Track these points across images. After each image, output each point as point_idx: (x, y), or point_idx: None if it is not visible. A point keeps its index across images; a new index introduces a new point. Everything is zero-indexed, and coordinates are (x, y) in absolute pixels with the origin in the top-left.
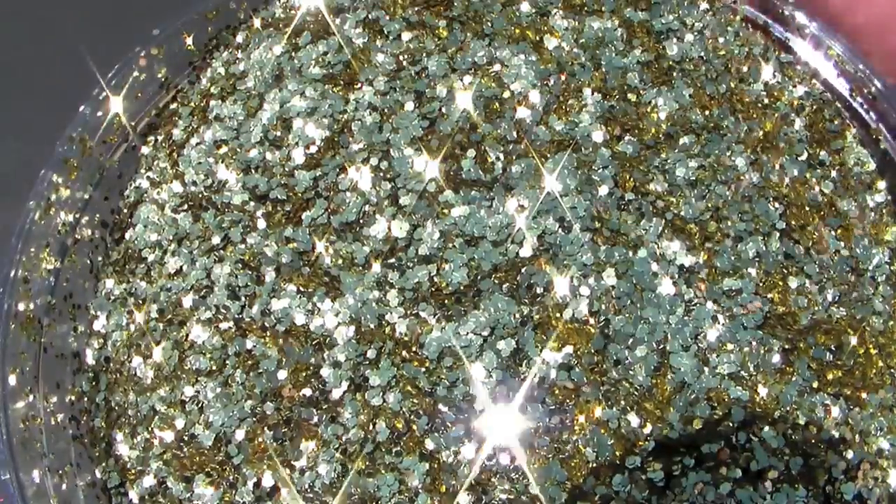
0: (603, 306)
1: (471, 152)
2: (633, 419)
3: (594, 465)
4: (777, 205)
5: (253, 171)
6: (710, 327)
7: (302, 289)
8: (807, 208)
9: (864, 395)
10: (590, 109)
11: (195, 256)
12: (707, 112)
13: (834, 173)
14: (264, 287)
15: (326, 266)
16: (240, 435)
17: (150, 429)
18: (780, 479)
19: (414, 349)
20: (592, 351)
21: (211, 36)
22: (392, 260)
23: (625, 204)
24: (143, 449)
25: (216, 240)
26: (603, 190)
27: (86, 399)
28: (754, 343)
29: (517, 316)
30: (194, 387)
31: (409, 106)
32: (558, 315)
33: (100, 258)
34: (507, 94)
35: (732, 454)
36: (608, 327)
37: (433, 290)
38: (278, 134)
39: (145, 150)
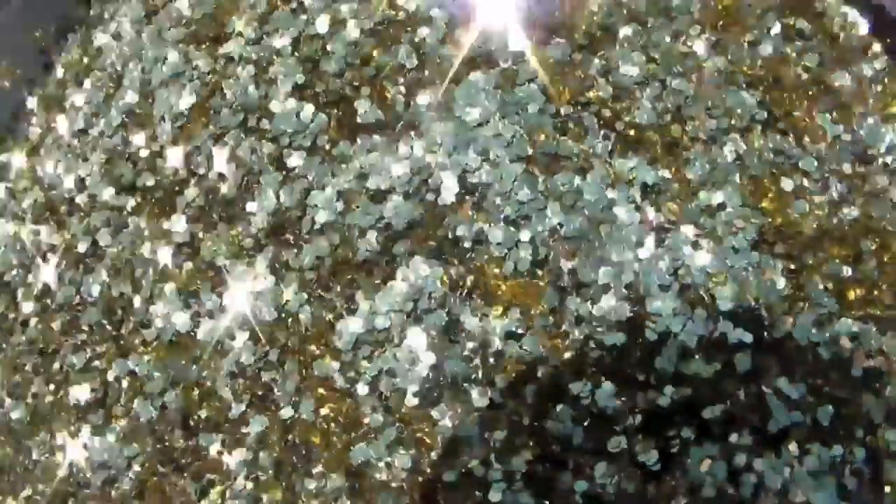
0: (552, 252)
1: (365, 90)
2: (610, 388)
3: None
4: (753, 91)
5: (118, 159)
6: (691, 257)
7: (182, 289)
8: (791, 91)
9: None
10: (501, 15)
11: (63, 270)
12: None
13: (817, 43)
14: (140, 293)
15: (210, 257)
16: (131, 476)
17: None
18: (807, 439)
19: (324, 342)
20: (546, 310)
21: (59, 17)
22: (286, 236)
23: (561, 121)
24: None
25: (83, 247)
26: (532, 108)
27: None
28: (751, 268)
29: (445, 280)
30: (75, 425)
31: (287, 50)
32: (497, 271)
33: None
34: (401, 15)
35: (743, 415)
36: (561, 278)
37: (338, 263)
38: (141, 112)
39: (1, 157)
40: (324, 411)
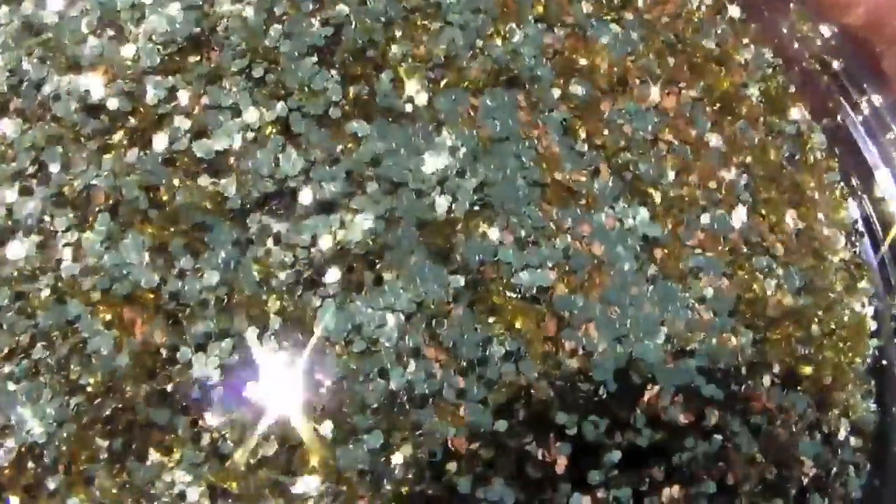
0: (555, 281)
1: (387, 73)
2: (599, 423)
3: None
4: (743, 175)
5: (84, 69)
6: (678, 312)
7: (149, 240)
8: (770, 180)
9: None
10: (532, 39)
11: None
12: (660, 61)
13: (791, 145)
14: (94, 233)
15: (183, 207)
16: (58, 446)
17: None
18: (754, 492)
19: (311, 329)
20: (544, 338)
21: None
22: (278, 205)
23: (575, 156)
24: None
25: (24, 163)
26: (551, 137)
27: None
28: (725, 333)
29: (450, 289)
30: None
31: (308, 6)
32: (500, 289)
33: None
34: (430, 10)
35: (707, 464)
36: (563, 309)
37: (337, 249)
38: (124, 25)
39: None
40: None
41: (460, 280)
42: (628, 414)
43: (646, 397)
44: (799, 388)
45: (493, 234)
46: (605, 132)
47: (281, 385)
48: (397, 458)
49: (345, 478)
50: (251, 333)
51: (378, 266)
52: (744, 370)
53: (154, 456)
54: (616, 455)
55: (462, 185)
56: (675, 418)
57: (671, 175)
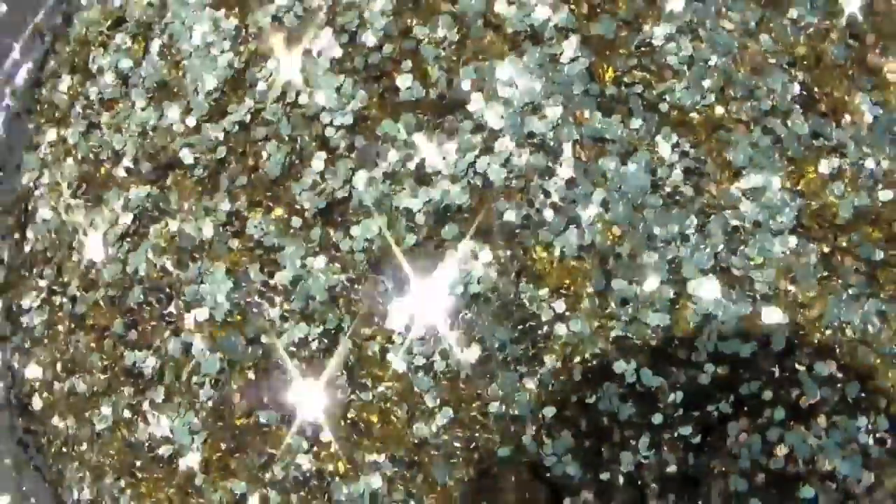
0: (597, 236)
1: (406, 64)
2: (651, 372)
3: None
4: (794, 72)
5: (150, 133)
6: (731, 240)
7: (232, 267)
8: (831, 70)
9: None
10: None
11: (108, 247)
12: None
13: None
14: (188, 272)
15: (257, 236)
16: (196, 452)
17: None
18: (834, 412)
19: (377, 322)
20: (593, 293)
21: None
22: (333, 216)
23: (607, 101)
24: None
25: (125, 222)
26: (577, 88)
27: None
28: (788, 252)
29: (495, 263)
30: (136, 398)
31: (321, 18)
32: (544, 255)
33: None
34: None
35: (777, 392)
36: (607, 261)
37: (388, 246)
38: (172, 81)
39: (30, 121)
40: (380, 390)
41: (501, 254)
42: (688, 353)
43: (705, 334)
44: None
45: (526, 202)
46: (636, 68)
47: None
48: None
49: None
50: None
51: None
52: (810, 289)
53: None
54: (678, 395)
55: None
56: (738, 350)
57: (711, 96)
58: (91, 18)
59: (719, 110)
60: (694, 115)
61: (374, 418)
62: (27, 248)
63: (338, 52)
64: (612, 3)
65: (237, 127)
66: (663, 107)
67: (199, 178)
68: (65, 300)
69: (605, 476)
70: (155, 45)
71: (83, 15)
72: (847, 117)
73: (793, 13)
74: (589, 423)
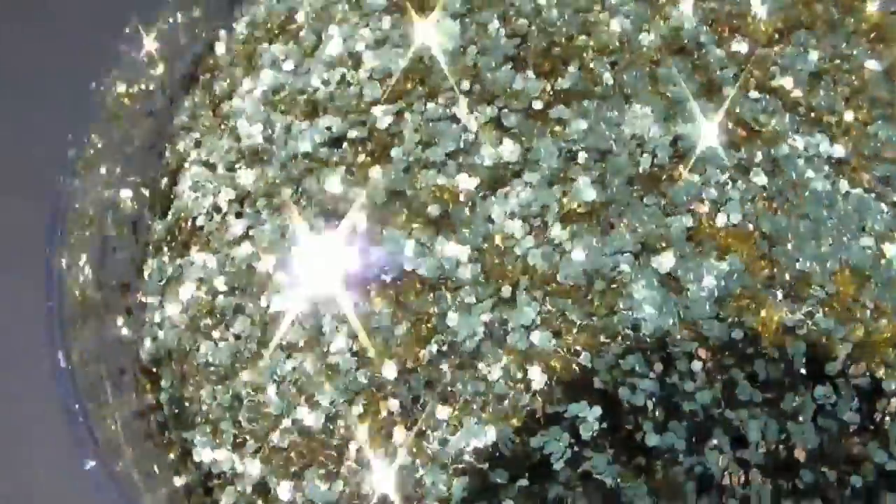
0: (758, 208)
1: (574, 64)
2: (823, 322)
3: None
4: None
5: (322, 112)
6: (875, 217)
7: (403, 231)
8: None
9: None
10: (688, 12)
11: (264, 216)
12: (810, 9)
13: None
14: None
15: (428, 208)
16: (356, 411)
17: (237, 422)
18: None
19: (557, 279)
20: (758, 255)
21: None
22: (506, 189)
23: (752, 104)
24: (231, 448)
25: (287, 192)
26: (727, 91)
27: (151, 397)
28: None
29: (667, 228)
30: (287, 362)
31: (494, 24)
32: (711, 223)
33: (139, 236)
34: (596, 7)
35: None
36: (768, 230)
37: (564, 213)
38: (346, 72)
39: (185, 104)
40: (562, 343)
41: (674, 221)
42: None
43: (863, 290)
44: None
45: (694, 177)
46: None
47: None
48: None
49: None
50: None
51: (603, 218)
52: None
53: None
54: (848, 346)
55: (659, 142)
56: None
57: (842, 103)
58: (257, 18)
59: (849, 115)
60: (828, 116)
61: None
62: (172, 219)
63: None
64: (748, 29)
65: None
66: (801, 109)
67: (368, 152)
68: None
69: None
70: (326, 38)
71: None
72: None
73: None
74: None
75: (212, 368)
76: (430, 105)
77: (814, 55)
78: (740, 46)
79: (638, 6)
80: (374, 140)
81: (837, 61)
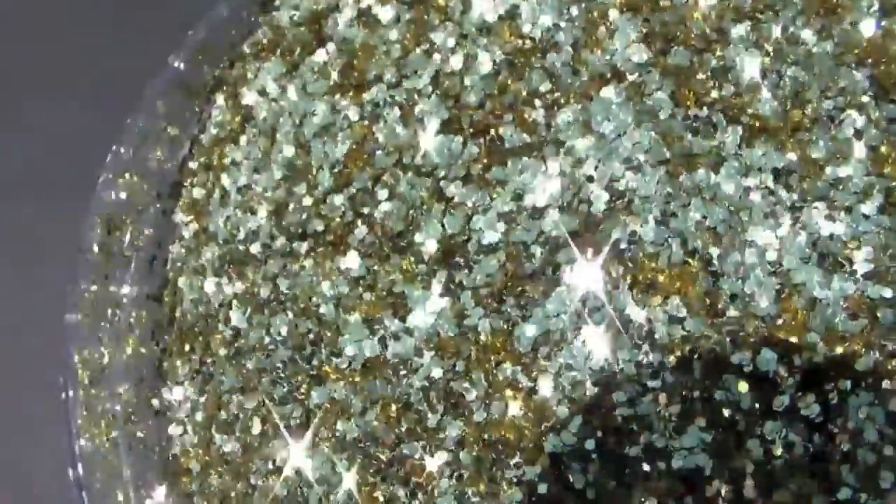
0: (699, 242)
1: (507, 117)
2: (769, 355)
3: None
4: (862, 70)
5: (285, 209)
6: (825, 229)
7: (367, 317)
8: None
9: None
10: (622, 31)
11: (250, 317)
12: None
13: None
14: (325, 326)
15: (386, 286)
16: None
17: None
18: None
19: (506, 347)
20: (702, 292)
21: (208, 77)
22: (456, 259)
23: (691, 122)
24: None
25: (265, 293)
26: (663, 114)
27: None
28: (882, 230)
29: (608, 279)
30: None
31: (427, 88)
32: (654, 265)
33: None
34: (528, 45)
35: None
36: (711, 263)
37: (509, 277)
38: (300, 163)
39: (175, 217)
40: (513, 410)
41: (613, 271)
42: (799, 337)
43: (812, 317)
44: None
45: (633, 220)
46: (714, 89)
47: None
48: None
49: None
50: None
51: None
52: None
53: None
54: (795, 378)
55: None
56: (849, 328)
57: (788, 103)
58: (223, 118)
59: (797, 114)
60: (774, 121)
61: (511, 435)
62: (176, 327)
63: (445, 115)
64: (685, 35)
65: (360, 193)
66: (745, 119)
67: (329, 244)
68: (213, 368)
69: (735, 464)
70: (280, 133)
71: (216, 118)
72: None
73: (850, 18)
74: (713, 416)
75: (226, 458)
76: (377, 188)
77: (755, 52)
78: (676, 58)
79: (569, 30)
80: (332, 230)
81: (782, 52)
